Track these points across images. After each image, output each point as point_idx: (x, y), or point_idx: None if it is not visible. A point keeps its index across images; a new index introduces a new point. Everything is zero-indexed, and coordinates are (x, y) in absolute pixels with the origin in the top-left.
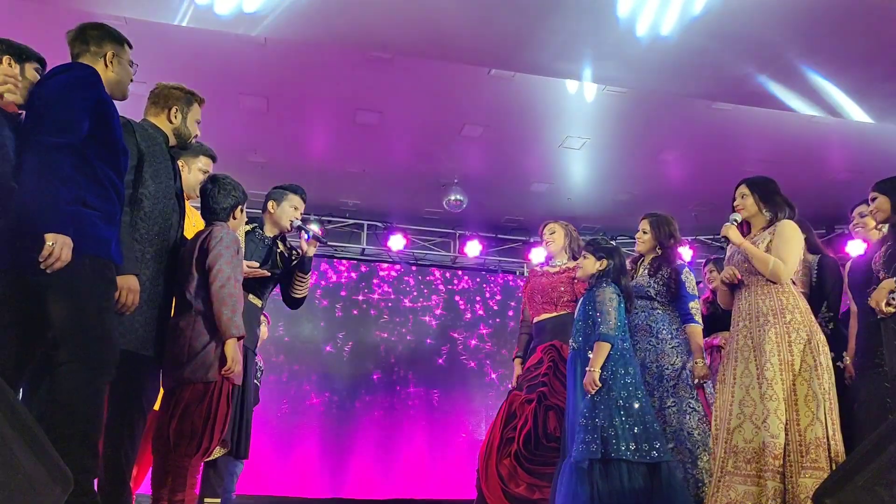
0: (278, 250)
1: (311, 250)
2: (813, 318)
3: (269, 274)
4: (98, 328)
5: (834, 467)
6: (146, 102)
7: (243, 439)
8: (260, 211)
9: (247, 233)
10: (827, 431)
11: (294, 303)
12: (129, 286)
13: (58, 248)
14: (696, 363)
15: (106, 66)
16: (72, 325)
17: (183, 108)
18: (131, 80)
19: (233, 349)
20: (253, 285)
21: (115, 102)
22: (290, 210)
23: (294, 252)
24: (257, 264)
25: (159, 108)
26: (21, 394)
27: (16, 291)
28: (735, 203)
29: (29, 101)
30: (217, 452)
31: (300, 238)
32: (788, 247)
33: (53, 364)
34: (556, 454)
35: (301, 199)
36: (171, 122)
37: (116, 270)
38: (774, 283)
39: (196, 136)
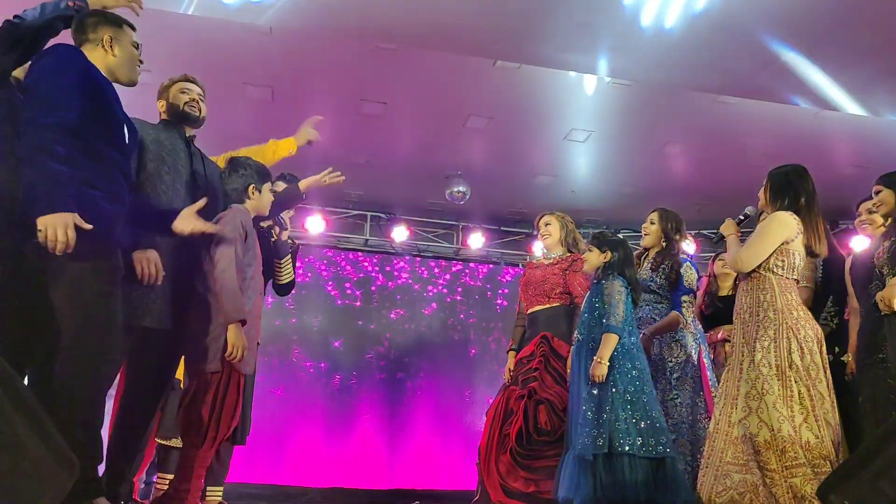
0: (273, 239)
1: (283, 234)
2: (800, 313)
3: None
4: (100, 313)
5: (828, 466)
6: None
7: (239, 426)
8: None
9: None
10: (820, 431)
11: (280, 289)
12: (147, 257)
13: (51, 231)
14: (642, 334)
15: (105, 50)
16: (73, 310)
17: (168, 88)
18: (140, 63)
19: (234, 334)
20: None
21: (128, 90)
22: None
23: (291, 240)
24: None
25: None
26: (26, 380)
27: (19, 277)
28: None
29: (23, 85)
30: None
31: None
32: (755, 235)
33: (56, 350)
34: (547, 447)
35: (284, 182)
36: (168, 101)
37: (134, 246)
38: (755, 277)
39: (187, 103)
